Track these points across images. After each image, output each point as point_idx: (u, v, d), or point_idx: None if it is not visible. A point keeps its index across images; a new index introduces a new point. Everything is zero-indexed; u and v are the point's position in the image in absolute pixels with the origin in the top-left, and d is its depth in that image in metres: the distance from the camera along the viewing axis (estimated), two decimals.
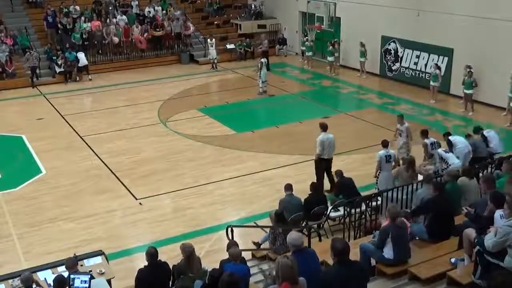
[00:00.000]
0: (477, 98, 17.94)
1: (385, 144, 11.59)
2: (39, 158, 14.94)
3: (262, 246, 9.79)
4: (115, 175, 13.81)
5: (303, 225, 10.03)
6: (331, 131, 12.44)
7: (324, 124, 12.35)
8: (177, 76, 23.87)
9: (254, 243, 9.93)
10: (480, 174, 10.01)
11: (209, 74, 24.44)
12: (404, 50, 21.64)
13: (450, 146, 11.42)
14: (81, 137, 16.53)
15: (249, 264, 8.33)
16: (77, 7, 25.59)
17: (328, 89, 22.08)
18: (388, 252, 7.35)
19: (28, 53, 22.58)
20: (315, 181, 11.84)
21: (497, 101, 17.70)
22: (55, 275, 7.37)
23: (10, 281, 7.64)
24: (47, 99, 20.70)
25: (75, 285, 6.90)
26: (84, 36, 24.24)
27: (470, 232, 6.91)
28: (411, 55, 21.36)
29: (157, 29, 25.71)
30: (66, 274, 7.07)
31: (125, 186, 13.15)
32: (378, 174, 11.52)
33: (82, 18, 24.93)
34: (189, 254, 7.29)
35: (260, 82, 20.65)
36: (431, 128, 16.62)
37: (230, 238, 9.28)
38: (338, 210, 10.22)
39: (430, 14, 19.96)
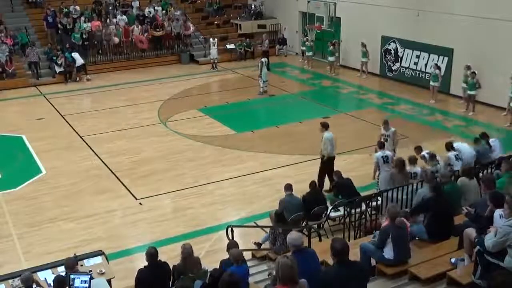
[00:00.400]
0: (477, 98, 17.93)
1: (380, 146, 11.65)
2: (39, 158, 14.94)
3: (262, 246, 9.79)
4: (115, 175, 13.81)
5: (303, 225, 10.03)
6: (332, 131, 12.45)
7: (326, 123, 12.39)
8: (177, 76, 23.88)
9: (255, 243, 9.93)
10: (480, 174, 10.01)
11: (209, 74, 24.44)
12: (404, 50, 21.64)
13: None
14: (81, 137, 16.53)
15: (249, 264, 8.34)
16: (77, 7, 25.60)
17: (328, 89, 22.09)
18: (388, 252, 7.35)
19: (29, 48, 22.62)
20: (317, 180, 11.87)
21: (497, 101, 17.70)
22: (55, 275, 7.38)
23: (10, 281, 7.65)
24: (47, 99, 20.70)
25: (75, 285, 6.90)
26: (84, 36, 24.24)
27: (471, 232, 6.91)
28: (411, 55, 21.36)
29: (157, 29, 25.72)
30: (64, 274, 7.08)
31: (125, 186, 13.15)
32: (378, 176, 11.53)
33: (82, 18, 24.94)
34: (186, 255, 7.29)
35: (261, 82, 20.65)
36: (431, 129, 16.76)
37: (230, 238, 9.28)
38: (338, 210, 10.23)
39: (430, 14, 19.97)
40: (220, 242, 10.01)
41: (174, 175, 13.70)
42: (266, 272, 8.49)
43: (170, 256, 8.59)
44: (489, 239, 6.22)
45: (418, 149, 11.43)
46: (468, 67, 17.82)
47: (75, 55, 23.02)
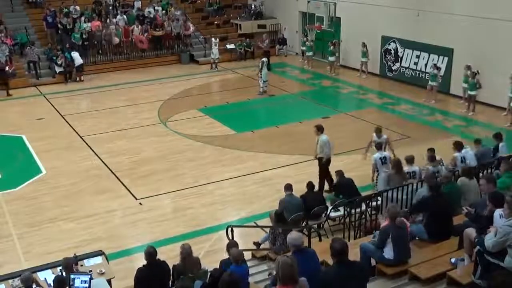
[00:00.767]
0: (477, 98, 17.93)
1: (378, 147, 11.66)
2: (39, 158, 14.94)
3: (262, 246, 9.79)
4: (115, 175, 13.81)
5: (303, 225, 10.03)
6: (332, 131, 12.49)
7: (322, 126, 12.38)
8: (177, 76, 23.88)
9: (255, 243, 9.93)
10: (480, 174, 10.01)
11: (209, 74, 24.44)
12: (404, 50, 21.64)
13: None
14: (81, 137, 16.53)
15: (249, 264, 8.34)
16: (77, 7, 25.60)
17: (328, 89, 22.08)
18: (388, 252, 7.35)
19: (28, 47, 22.62)
20: (318, 182, 11.91)
21: (497, 101, 17.70)
22: (55, 275, 7.39)
23: (10, 281, 7.64)
24: (47, 99, 20.70)
25: (75, 285, 6.90)
26: (84, 36, 24.24)
27: (471, 232, 6.90)
28: (411, 55, 21.36)
29: (157, 29, 25.73)
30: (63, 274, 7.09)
31: (125, 186, 13.15)
32: (377, 177, 11.52)
33: (82, 18, 24.93)
34: (186, 255, 7.29)
35: (261, 81, 20.65)
36: (431, 129, 16.76)
37: (230, 238, 9.28)
38: (338, 210, 10.23)
39: (430, 14, 19.97)
40: (220, 242, 10.02)
41: (174, 175, 13.70)
42: (266, 272, 8.49)
43: (170, 256, 8.58)
44: (489, 239, 6.22)
45: (431, 150, 11.36)
46: (469, 67, 17.82)
47: (75, 54, 23.02)
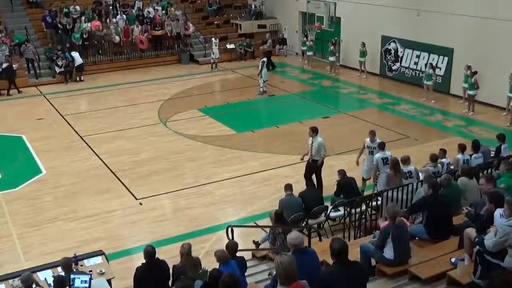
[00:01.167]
0: (477, 98, 17.93)
1: (381, 147, 11.52)
2: (39, 158, 14.94)
3: (262, 246, 9.79)
4: (115, 175, 13.81)
5: (303, 225, 10.03)
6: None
7: (317, 128, 12.16)
8: (177, 76, 23.88)
9: (254, 242, 9.93)
10: (481, 174, 10.00)
11: (209, 74, 24.44)
12: (404, 50, 21.64)
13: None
14: (81, 137, 16.53)
15: (249, 264, 8.35)
16: (77, 7, 25.62)
17: (328, 89, 22.08)
18: (388, 252, 7.34)
19: (24, 45, 22.61)
20: (315, 183, 11.95)
21: (497, 101, 17.70)
22: (55, 275, 7.39)
23: (10, 281, 7.64)
24: (47, 99, 20.71)
25: (75, 285, 6.90)
26: (84, 36, 24.24)
27: (471, 232, 6.90)
28: (411, 55, 21.36)
29: (156, 28, 25.73)
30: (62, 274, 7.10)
31: (125, 186, 13.15)
32: (377, 176, 11.50)
33: (82, 18, 24.94)
34: (185, 255, 7.32)
35: (261, 81, 20.65)
36: (431, 129, 16.76)
37: (230, 238, 9.28)
38: (338, 210, 10.23)
39: (430, 14, 19.97)
40: (220, 242, 10.00)
41: (174, 175, 13.70)
42: (266, 272, 8.49)
43: (170, 256, 8.58)
44: (489, 239, 6.23)
45: (443, 151, 11.35)
46: (469, 67, 17.81)
47: (75, 54, 23.03)
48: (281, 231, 9.04)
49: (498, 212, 6.79)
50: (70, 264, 7.30)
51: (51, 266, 8.06)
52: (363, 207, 9.87)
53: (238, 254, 7.87)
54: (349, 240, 9.02)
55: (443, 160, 11.05)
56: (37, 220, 11.57)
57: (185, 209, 12.01)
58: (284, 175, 13.11)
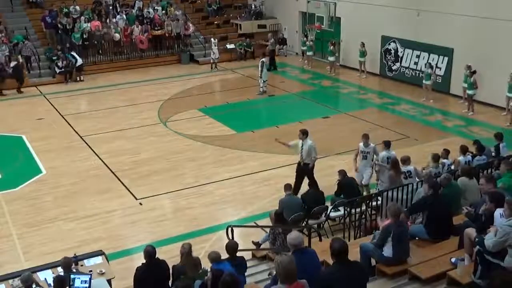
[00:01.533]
0: (477, 98, 17.94)
1: (387, 145, 11.42)
2: (39, 158, 14.93)
3: (262, 246, 9.79)
4: (115, 175, 13.81)
5: (303, 225, 10.03)
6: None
7: (307, 130, 12.06)
8: (177, 76, 23.88)
9: (254, 243, 9.93)
10: (481, 174, 10.00)
11: (209, 74, 24.44)
12: (404, 50, 21.64)
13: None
14: (81, 137, 16.53)
15: (249, 264, 8.34)
16: (77, 7, 25.61)
17: (328, 89, 22.08)
18: (387, 250, 7.34)
19: (21, 43, 22.61)
20: (311, 184, 11.90)
21: (497, 101, 17.70)
22: (55, 275, 7.38)
23: (10, 281, 7.64)
24: (47, 99, 20.70)
25: (75, 285, 6.90)
26: (84, 36, 24.24)
27: (471, 232, 6.91)
28: (411, 55, 21.36)
29: (156, 28, 25.72)
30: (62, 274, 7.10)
31: (125, 186, 13.15)
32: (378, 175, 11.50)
33: (82, 18, 24.94)
34: (185, 255, 7.30)
35: (261, 81, 20.65)
36: (431, 129, 16.76)
37: (230, 238, 9.28)
38: (338, 210, 10.23)
39: (430, 14, 19.97)
40: (220, 242, 10.00)
41: (174, 175, 13.70)
42: (266, 272, 8.49)
43: (170, 256, 8.58)
44: (489, 239, 6.23)
45: (446, 151, 11.34)
46: (469, 67, 17.81)
47: (75, 54, 23.04)
48: (281, 231, 9.04)
49: (498, 212, 6.79)
50: (70, 264, 7.31)
51: (51, 266, 8.06)
52: (363, 207, 9.87)
53: (238, 254, 7.86)
54: (349, 240, 9.02)
55: (444, 160, 11.05)
56: (37, 220, 11.57)
57: (185, 209, 12.01)
58: (284, 175, 13.09)
